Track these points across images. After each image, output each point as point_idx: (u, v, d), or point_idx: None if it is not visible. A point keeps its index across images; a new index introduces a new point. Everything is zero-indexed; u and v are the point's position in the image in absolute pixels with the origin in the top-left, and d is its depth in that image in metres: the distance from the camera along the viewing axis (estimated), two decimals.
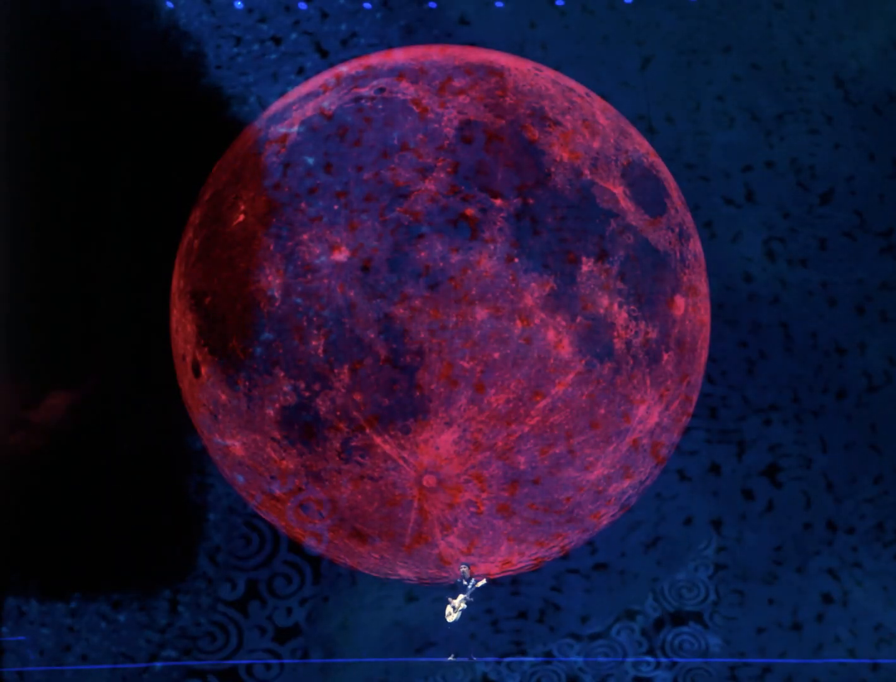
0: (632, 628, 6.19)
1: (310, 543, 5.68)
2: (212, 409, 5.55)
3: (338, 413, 5.30)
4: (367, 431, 5.30)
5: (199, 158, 5.91)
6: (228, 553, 6.09)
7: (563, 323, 5.27)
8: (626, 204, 5.45)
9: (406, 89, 5.43)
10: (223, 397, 5.49)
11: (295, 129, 5.50)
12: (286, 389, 5.33)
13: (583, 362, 5.30)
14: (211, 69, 6.10)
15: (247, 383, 5.40)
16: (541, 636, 6.20)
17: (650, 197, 5.55)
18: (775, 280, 6.20)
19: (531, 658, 6.17)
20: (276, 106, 5.74)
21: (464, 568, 5.62)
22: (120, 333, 6.10)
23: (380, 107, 5.41)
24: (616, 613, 6.20)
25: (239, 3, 6.09)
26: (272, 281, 5.33)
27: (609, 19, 6.20)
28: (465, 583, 5.65)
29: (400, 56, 5.62)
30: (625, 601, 6.20)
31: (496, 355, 5.23)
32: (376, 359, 5.24)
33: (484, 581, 5.71)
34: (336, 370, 5.27)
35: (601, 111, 5.67)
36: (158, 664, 6.10)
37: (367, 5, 6.09)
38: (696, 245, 5.75)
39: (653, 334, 5.44)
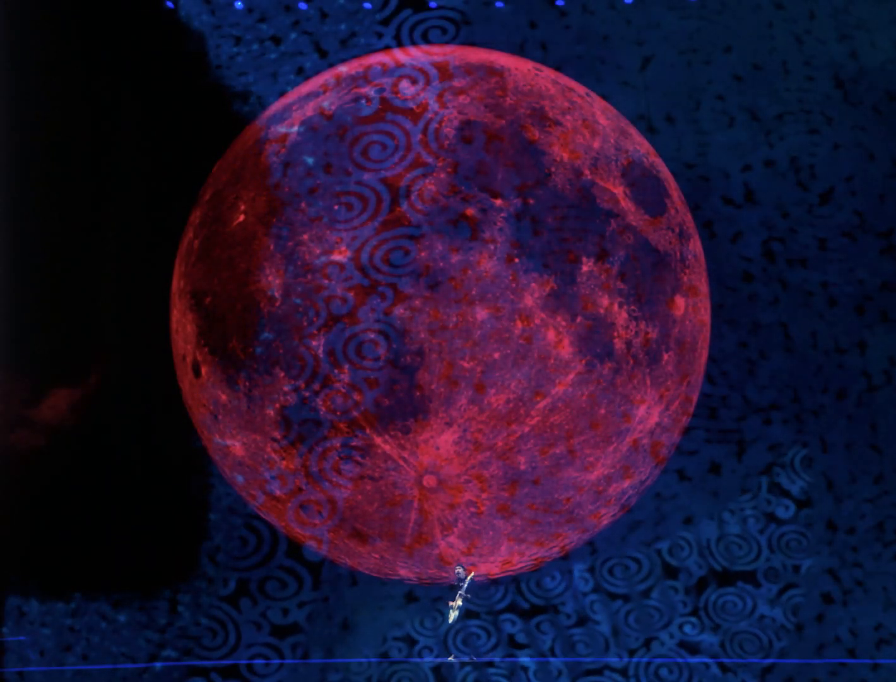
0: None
1: (310, 545, 5.67)
2: (212, 409, 5.55)
3: (338, 413, 5.31)
4: (367, 431, 5.30)
5: (199, 158, 5.91)
6: (227, 554, 6.09)
7: (564, 323, 5.27)
8: (626, 204, 5.45)
9: (406, 89, 5.43)
10: (223, 397, 5.49)
11: (295, 129, 5.50)
12: (286, 389, 5.33)
13: (583, 362, 5.30)
14: (211, 69, 6.10)
15: (247, 383, 5.40)
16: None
17: (650, 197, 5.55)
18: (775, 280, 6.20)
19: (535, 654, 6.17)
20: (276, 106, 5.74)
21: (459, 569, 5.62)
22: (120, 333, 6.10)
23: (379, 107, 5.41)
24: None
25: (239, 3, 6.09)
26: (272, 281, 5.33)
27: (609, 19, 6.19)
28: (462, 583, 5.65)
29: (400, 56, 5.62)
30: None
31: (496, 355, 5.23)
32: (376, 359, 5.24)
33: (472, 575, 5.70)
34: (336, 370, 5.27)
35: (601, 111, 5.67)
36: (158, 664, 6.10)
37: (367, 5, 6.09)
38: (696, 245, 5.75)
39: (653, 334, 5.44)
